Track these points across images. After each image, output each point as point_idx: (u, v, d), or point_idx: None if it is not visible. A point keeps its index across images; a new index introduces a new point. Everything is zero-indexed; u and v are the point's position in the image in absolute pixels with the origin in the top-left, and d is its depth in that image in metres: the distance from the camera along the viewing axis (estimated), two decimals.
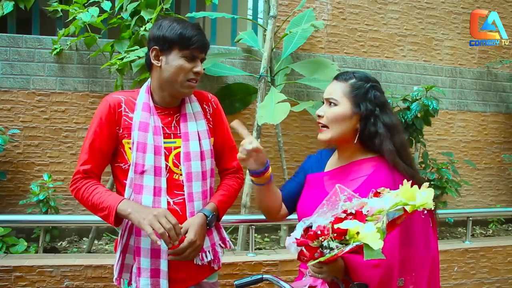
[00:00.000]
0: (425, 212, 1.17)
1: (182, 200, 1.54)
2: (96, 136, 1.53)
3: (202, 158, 1.58)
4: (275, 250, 3.21)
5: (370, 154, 1.48)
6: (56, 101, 3.35)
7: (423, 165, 3.82)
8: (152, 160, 1.50)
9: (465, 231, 3.68)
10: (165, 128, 1.56)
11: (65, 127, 3.37)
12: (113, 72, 3.19)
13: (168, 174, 1.54)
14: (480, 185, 4.53)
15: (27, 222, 2.99)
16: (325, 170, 1.55)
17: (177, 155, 1.55)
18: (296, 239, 1.18)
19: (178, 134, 1.57)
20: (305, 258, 1.18)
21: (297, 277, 1.52)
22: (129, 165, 1.52)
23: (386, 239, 1.26)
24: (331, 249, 1.12)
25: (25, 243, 3.02)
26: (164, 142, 1.54)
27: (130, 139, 1.53)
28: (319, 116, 1.48)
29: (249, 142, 1.34)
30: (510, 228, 4.47)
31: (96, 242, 3.31)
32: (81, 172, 1.53)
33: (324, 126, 1.46)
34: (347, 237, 1.12)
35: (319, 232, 1.13)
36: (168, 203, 1.52)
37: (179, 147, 1.56)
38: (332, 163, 1.55)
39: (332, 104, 1.45)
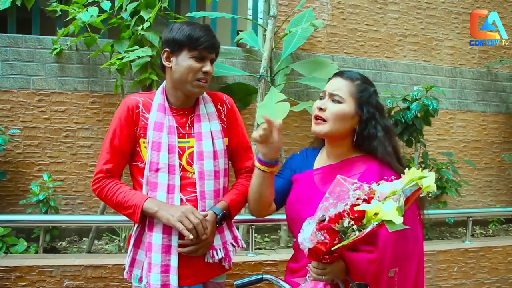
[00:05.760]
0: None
1: (194, 198, 1.59)
2: (116, 136, 1.58)
3: (215, 158, 1.62)
4: (275, 250, 3.21)
5: (361, 153, 1.50)
6: (56, 101, 3.35)
7: (423, 165, 3.82)
8: (166, 159, 1.56)
9: (465, 231, 3.68)
10: (179, 128, 1.61)
11: (65, 127, 3.37)
12: (113, 72, 3.19)
13: (181, 172, 1.58)
14: (480, 185, 4.53)
15: (27, 222, 2.98)
16: (314, 168, 1.55)
17: (191, 154, 1.60)
18: (319, 221, 1.19)
19: (192, 134, 1.62)
20: (319, 252, 1.19)
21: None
22: (145, 164, 1.57)
23: (381, 232, 1.28)
24: (353, 231, 1.15)
25: (25, 243, 3.02)
26: (178, 142, 1.59)
27: (146, 138, 1.58)
28: (320, 109, 1.47)
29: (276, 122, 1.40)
30: (510, 228, 4.47)
31: (96, 242, 3.31)
32: (104, 172, 1.58)
33: (323, 119, 1.46)
34: (364, 221, 1.14)
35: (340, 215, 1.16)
36: (181, 200, 1.57)
37: (193, 146, 1.60)
38: (320, 161, 1.56)
39: (336, 100, 1.45)
